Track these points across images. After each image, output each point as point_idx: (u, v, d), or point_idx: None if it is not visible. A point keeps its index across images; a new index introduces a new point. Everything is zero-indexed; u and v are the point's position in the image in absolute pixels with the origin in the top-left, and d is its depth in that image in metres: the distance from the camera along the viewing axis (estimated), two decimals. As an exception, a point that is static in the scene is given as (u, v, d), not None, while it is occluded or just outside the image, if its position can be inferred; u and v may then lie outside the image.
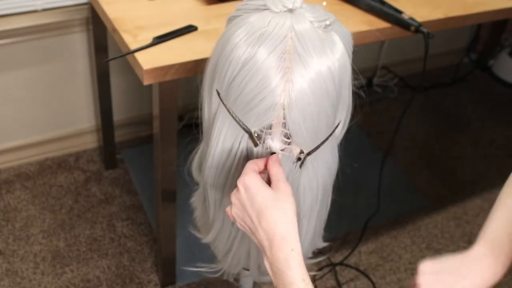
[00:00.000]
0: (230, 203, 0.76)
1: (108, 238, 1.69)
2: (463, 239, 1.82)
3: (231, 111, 0.74)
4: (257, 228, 0.70)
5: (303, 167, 0.80)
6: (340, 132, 0.84)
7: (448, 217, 1.90)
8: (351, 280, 1.65)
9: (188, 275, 1.58)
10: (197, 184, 0.97)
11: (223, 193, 0.85)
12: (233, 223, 0.87)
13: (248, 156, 0.79)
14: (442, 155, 2.18)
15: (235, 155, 0.79)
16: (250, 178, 0.71)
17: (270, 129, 0.75)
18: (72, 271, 1.58)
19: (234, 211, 0.74)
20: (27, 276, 1.56)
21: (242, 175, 0.72)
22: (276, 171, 0.73)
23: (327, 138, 0.78)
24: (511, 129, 2.34)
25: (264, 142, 0.76)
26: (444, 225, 1.86)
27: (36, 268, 1.58)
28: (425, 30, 1.25)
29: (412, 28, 1.26)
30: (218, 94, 0.75)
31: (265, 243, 0.69)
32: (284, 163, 0.77)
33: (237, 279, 1.11)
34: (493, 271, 0.75)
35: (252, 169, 0.73)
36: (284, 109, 0.72)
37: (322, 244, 0.98)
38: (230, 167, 0.80)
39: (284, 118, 0.73)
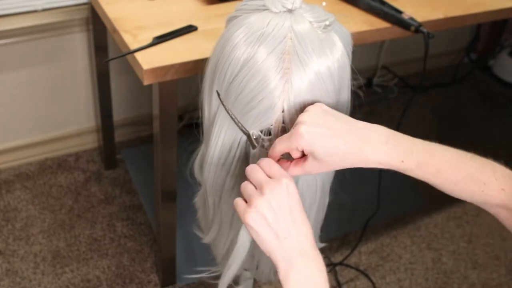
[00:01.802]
0: (230, 204, 0.76)
1: (108, 238, 1.69)
2: (463, 239, 1.82)
3: (230, 112, 0.74)
4: (292, 236, 0.66)
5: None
6: None
7: (448, 217, 1.89)
8: (351, 280, 1.65)
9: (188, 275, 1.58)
10: (199, 184, 0.97)
11: (222, 194, 0.85)
12: (232, 225, 0.87)
13: (247, 158, 0.79)
14: None
15: (234, 156, 0.79)
16: (293, 184, 0.68)
17: (270, 135, 0.74)
18: (72, 271, 1.58)
19: (264, 206, 0.66)
20: (27, 276, 1.56)
21: (285, 175, 0.68)
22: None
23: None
24: (511, 129, 2.34)
25: (262, 145, 0.75)
26: (444, 225, 1.86)
27: (36, 268, 1.58)
28: (425, 30, 1.25)
29: (412, 28, 1.26)
30: (218, 95, 0.75)
31: (298, 252, 0.66)
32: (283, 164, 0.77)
33: (236, 282, 1.10)
34: (378, 151, 0.67)
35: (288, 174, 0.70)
36: (283, 111, 0.71)
37: (319, 245, 0.98)
38: (228, 168, 0.80)
39: (283, 122, 0.72)
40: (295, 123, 0.68)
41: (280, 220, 0.66)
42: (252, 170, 0.71)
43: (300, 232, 0.67)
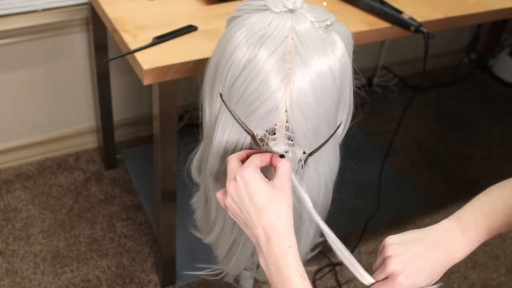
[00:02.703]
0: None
1: (108, 238, 1.69)
2: (463, 239, 1.82)
3: (233, 113, 0.74)
4: (254, 223, 0.70)
5: (305, 167, 0.80)
6: (341, 132, 0.84)
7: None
8: (351, 280, 1.65)
9: (188, 275, 1.58)
10: (196, 185, 0.97)
11: None
12: (235, 225, 0.87)
13: None
14: (442, 155, 2.18)
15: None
16: (249, 172, 0.70)
17: (274, 134, 0.74)
18: (72, 271, 1.58)
19: (228, 201, 0.73)
20: (27, 276, 1.56)
21: (242, 167, 0.71)
22: (283, 164, 0.73)
23: (328, 139, 0.78)
24: (511, 129, 2.34)
25: (267, 145, 0.75)
26: (444, 225, 1.86)
27: (36, 268, 1.58)
28: (425, 30, 1.25)
29: (412, 28, 1.26)
30: (221, 96, 0.75)
31: (263, 240, 0.69)
32: None
33: (237, 280, 1.11)
34: (460, 244, 0.75)
35: (253, 163, 0.72)
36: (286, 112, 0.71)
37: (319, 239, 0.98)
38: (232, 170, 0.80)
39: (286, 122, 0.73)
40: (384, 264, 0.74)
41: (243, 211, 0.71)
42: (227, 160, 0.76)
43: (263, 217, 0.69)
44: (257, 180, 0.70)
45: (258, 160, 0.73)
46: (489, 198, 0.79)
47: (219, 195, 0.75)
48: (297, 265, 0.67)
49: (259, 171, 0.72)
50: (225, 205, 0.74)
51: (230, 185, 0.72)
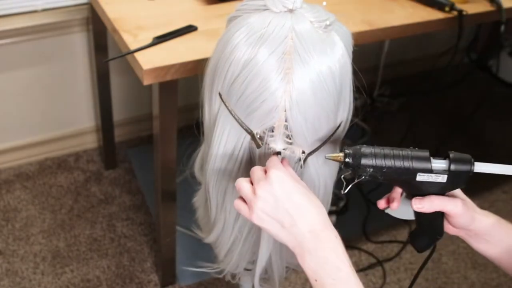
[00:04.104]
0: (232, 204, 0.76)
1: (108, 238, 1.69)
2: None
3: (233, 113, 0.74)
4: (296, 222, 0.68)
5: (305, 167, 0.80)
6: (341, 132, 0.84)
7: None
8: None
9: (188, 276, 1.58)
10: (199, 184, 0.97)
11: (225, 195, 0.85)
12: (235, 224, 0.87)
13: (250, 158, 0.79)
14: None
15: (238, 156, 0.79)
16: (283, 171, 0.69)
17: (273, 131, 0.75)
18: (72, 271, 1.58)
19: (259, 204, 0.68)
20: (27, 276, 1.56)
21: (273, 167, 0.70)
22: (291, 171, 0.73)
23: (328, 138, 0.78)
24: (511, 129, 2.34)
25: (267, 143, 0.75)
26: (444, 225, 1.86)
27: (36, 268, 1.58)
28: (458, 8, 1.34)
29: (447, 8, 1.35)
30: (220, 96, 0.75)
31: (307, 237, 0.68)
32: None
33: (233, 277, 1.11)
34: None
35: (279, 163, 0.71)
36: (285, 111, 0.72)
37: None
38: (232, 169, 0.80)
39: (286, 120, 0.73)
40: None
41: (280, 211, 0.68)
42: (252, 171, 0.73)
43: (305, 215, 0.69)
44: (292, 177, 0.70)
45: (278, 160, 0.73)
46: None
47: (238, 203, 0.72)
48: (346, 254, 0.68)
49: (287, 168, 0.72)
50: (250, 211, 0.70)
51: (261, 187, 0.69)
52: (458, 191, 0.77)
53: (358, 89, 0.84)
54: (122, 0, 1.30)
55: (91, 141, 2.02)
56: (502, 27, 1.45)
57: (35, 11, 1.67)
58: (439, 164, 0.72)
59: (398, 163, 0.70)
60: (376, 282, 1.65)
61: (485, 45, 2.73)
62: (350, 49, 0.78)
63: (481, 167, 0.72)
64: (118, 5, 1.28)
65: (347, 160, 0.71)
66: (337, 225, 1.87)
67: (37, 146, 1.92)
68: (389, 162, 0.70)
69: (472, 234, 0.79)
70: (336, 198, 1.84)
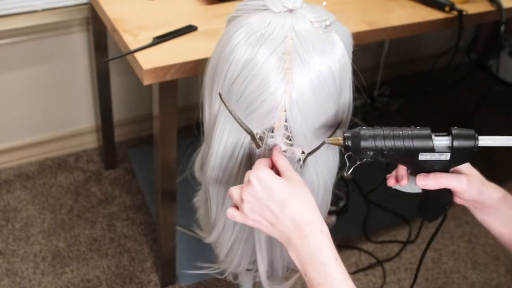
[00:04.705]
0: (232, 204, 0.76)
1: (108, 238, 1.69)
2: (463, 239, 1.82)
3: (233, 113, 0.74)
4: (280, 219, 0.69)
5: (304, 167, 0.80)
6: (341, 132, 0.84)
7: (448, 217, 1.89)
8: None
9: (188, 276, 1.58)
10: (199, 184, 0.97)
11: (225, 195, 0.85)
12: (236, 224, 0.88)
13: (250, 158, 0.79)
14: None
15: (237, 156, 0.79)
16: (262, 171, 0.70)
17: (272, 132, 0.75)
18: (72, 271, 1.58)
19: (247, 207, 0.71)
20: (27, 276, 1.56)
21: (253, 169, 0.71)
22: (282, 161, 0.73)
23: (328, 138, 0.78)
24: (511, 129, 2.34)
25: (266, 143, 0.76)
26: (444, 225, 1.85)
27: (36, 268, 1.58)
28: (458, 8, 1.34)
29: (447, 8, 1.35)
30: (220, 96, 0.75)
31: (292, 231, 0.68)
32: None
33: (236, 278, 1.11)
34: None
35: (262, 164, 0.72)
36: (285, 111, 0.72)
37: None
38: (232, 169, 0.80)
39: (285, 121, 0.73)
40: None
41: (264, 210, 0.70)
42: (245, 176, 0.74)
43: (289, 210, 0.69)
44: (272, 176, 0.70)
45: (264, 161, 0.73)
46: None
47: (231, 211, 0.74)
48: (332, 249, 0.68)
49: (269, 169, 0.72)
50: (243, 216, 0.72)
51: (244, 192, 0.71)
52: (463, 164, 0.76)
53: (358, 89, 0.84)
54: (122, 0, 1.30)
55: (91, 141, 2.02)
56: (502, 27, 1.45)
57: (35, 11, 1.67)
58: (441, 141, 0.70)
59: (399, 144, 0.69)
60: (376, 282, 1.65)
61: (485, 45, 2.73)
62: (350, 49, 0.78)
63: (486, 141, 0.71)
64: (118, 5, 1.28)
65: (346, 143, 0.71)
66: (337, 225, 1.87)
67: (37, 146, 1.92)
68: (389, 143, 0.69)
69: (478, 206, 0.78)
70: (336, 198, 1.84)
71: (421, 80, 2.48)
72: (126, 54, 1.12)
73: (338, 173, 0.89)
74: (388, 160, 0.71)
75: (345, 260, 1.68)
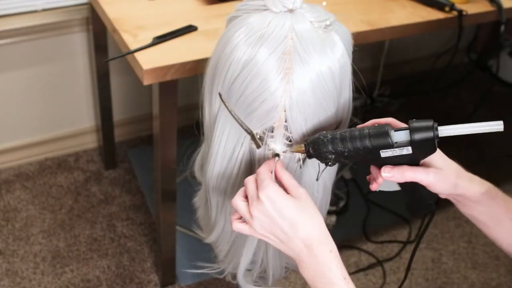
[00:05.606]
0: (231, 204, 0.76)
1: (108, 238, 1.69)
2: (463, 239, 1.82)
3: (233, 113, 0.74)
4: (291, 238, 0.70)
5: (304, 167, 0.80)
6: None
7: (448, 217, 1.89)
8: (351, 280, 1.65)
9: (188, 276, 1.58)
10: (199, 184, 0.97)
11: (225, 195, 0.85)
12: None
13: (250, 158, 0.79)
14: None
15: (237, 157, 0.79)
16: (272, 191, 0.70)
17: (272, 132, 0.75)
18: (72, 271, 1.58)
19: (256, 224, 0.71)
20: (27, 276, 1.56)
21: (262, 187, 0.70)
22: (287, 177, 0.73)
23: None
24: (511, 129, 2.34)
25: (266, 144, 0.76)
26: (444, 225, 1.86)
27: (36, 268, 1.58)
28: (458, 8, 1.34)
29: (447, 8, 1.36)
30: (220, 96, 0.75)
31: (303, 251, 0.70)
32: (286, 164, 0.77)
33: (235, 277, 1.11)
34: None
35: (269, 178, 0.71)
36: (285, 111, 0.72)
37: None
38: (232, 169, 0.80)
39: (285, 121, 0.73)
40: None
41: (275, 229, 0.71)
42: (245, 182, 0.74)
43: (299, 230, 0.70)
44: (282, 195, 0.70)
45: (268, 172, 0.73)
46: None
47: (237, 225, 0.74)
48: (340, 268, 0.69)
49: (278, 186, 0.72)
50: (251, 230, 0.73)
51: (254, 208, 0.71)
52: (437, 158, 0.75)
53: (358, 89, 0.84)
54: (122, 0, 1.30)
55: (91, 141, 2.02)
56: (502, 27, 1.45)
57: (35, 11, 1.67)
58: (399, 136, 0.69)
59: (357, 144, 0.69)
60: (376, 282, 1.65)
61: (485, 45, 2.73)
62: (350, 49, 0.78)
63: (447, 131, 0.69)
64: (118, 5, 1.28)
65: (309, 150, 0.71)
66: (337, 225, 1.87)
67: (37, 146, 1.92)
68: (348, 145, 0.69)
69: (460, 199, 0.79)
70: (336, 198, 1.84)
71: (421, 80, 2.48)
72: (126, 54, 1.12)
73: (338, 173, 0.89)
74: (353, 161, 0.72)
75: (345, 260, 1.68)
